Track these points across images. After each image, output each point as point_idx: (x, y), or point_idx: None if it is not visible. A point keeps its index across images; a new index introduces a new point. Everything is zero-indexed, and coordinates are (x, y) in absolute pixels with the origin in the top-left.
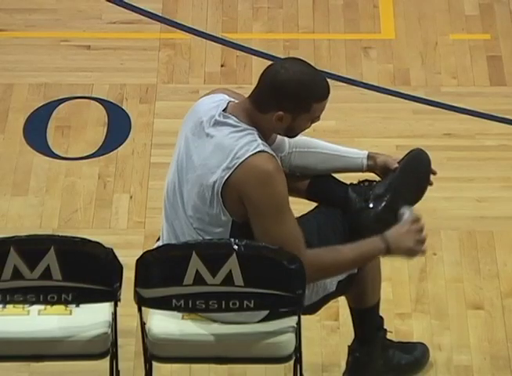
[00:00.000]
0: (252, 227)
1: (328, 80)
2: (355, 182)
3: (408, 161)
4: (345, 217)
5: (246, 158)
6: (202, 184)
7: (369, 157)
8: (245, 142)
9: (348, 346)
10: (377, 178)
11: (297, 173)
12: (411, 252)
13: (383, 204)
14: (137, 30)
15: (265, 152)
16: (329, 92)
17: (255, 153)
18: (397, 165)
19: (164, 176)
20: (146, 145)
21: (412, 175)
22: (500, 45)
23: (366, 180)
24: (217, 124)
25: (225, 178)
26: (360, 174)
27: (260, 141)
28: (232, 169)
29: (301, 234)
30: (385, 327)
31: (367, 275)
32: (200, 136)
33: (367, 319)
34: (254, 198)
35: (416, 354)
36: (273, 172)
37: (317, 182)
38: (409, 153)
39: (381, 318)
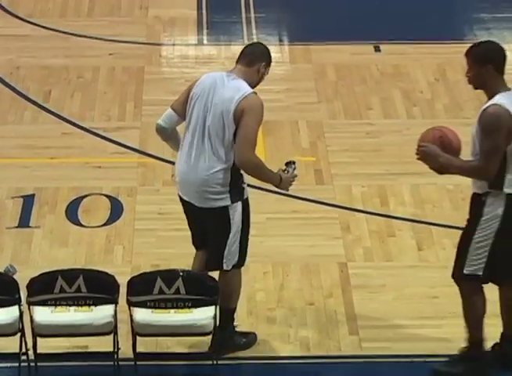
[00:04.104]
0: (239, 128)
1: None
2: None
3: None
4: None
5: (250, 93)
6: (227, 104)
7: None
8: (246, 86)
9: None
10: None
11: None
12: (285, 189)
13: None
14: (126, 157)
15: (256, 93)
16: None
17: (252, 92)
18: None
19: (142, 234)
20: (132, 219)
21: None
22: (321, 163)
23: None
24: (228, 78)
25: (239, 100)
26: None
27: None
28: (242, 97)
29: (256, 142)
30: (236, 322)
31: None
32: (221, 86)
33: (230, 316)
34: (250, 112)
35: (249, 339)
36: (262, 103)
37: None
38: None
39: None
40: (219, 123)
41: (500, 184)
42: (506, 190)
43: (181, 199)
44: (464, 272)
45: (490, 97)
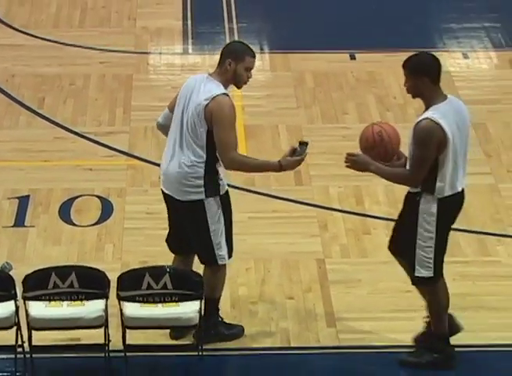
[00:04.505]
0: (214, 132)
1: None
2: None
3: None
4: None
5: (218, 94)
6: (197, 106)
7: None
8: (217, 87)
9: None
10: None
11: None
12: (292, 169)
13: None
14: (115, 160)
15: (227, 95)
16: (255, 56)
17: (223, 93)
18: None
19: (131, 233)
20: (121, 218)
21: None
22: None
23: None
24: (206, 80)
25: (207, 102)
26: None
27: (224, 89)
28: (211, 98)
29: (236, 142)
30: (220, 314)
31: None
32: (198, 87)
33: (214, 306)
34: (220, 114)
35: (234, 330)
36: (230, 104)
37: None
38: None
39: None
40: (192, 122)
41: (431, 190)
42: (437, 195)
43: (163, 193)
44: (416, 274)
45: (426, 107)
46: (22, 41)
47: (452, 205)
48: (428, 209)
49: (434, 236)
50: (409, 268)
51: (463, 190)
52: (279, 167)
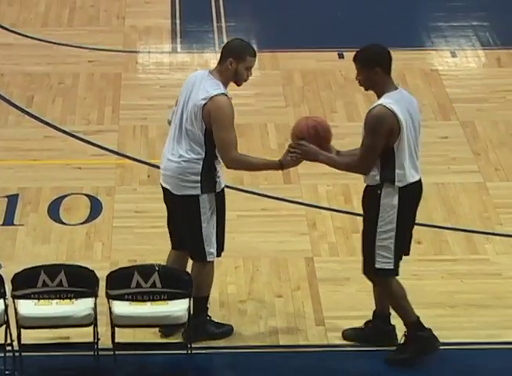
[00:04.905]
0: (213, 132)
1: None
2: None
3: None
4: None
5: (216, 95)
6: (195, 105)
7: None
8: (216, 87)
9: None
10: None
11: None
12: (293, 166)
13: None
14: (104, 159)
15: (225, 94)
16: (256, 54)
17: (221, 93)
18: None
19: (120, 231)
20: (110, 217)
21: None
22: None
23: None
24: (206, 77)
25: (205, 102)
26: None
27: (222, 88)
28: (208, 98)
29: (236, 142)
30: (209, 313)
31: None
32: (198, 85)
33: (202, 304)
34: (218, 115)
35: (224, 329)
36: (228, 104)
37: None
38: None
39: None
40: (191, 120)
41: (391, 179)
42: (398, 184)
43: (162, 187)
44: (376, 266)
45: (379, 97)
46: (11, 40)
47: (411, 195)
48: (390, 202)
49: (395, 228)
50: (365, 259)
51: (420, 180)
52: (280, 166)
